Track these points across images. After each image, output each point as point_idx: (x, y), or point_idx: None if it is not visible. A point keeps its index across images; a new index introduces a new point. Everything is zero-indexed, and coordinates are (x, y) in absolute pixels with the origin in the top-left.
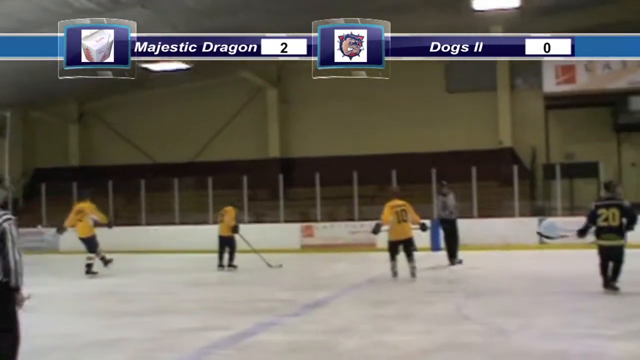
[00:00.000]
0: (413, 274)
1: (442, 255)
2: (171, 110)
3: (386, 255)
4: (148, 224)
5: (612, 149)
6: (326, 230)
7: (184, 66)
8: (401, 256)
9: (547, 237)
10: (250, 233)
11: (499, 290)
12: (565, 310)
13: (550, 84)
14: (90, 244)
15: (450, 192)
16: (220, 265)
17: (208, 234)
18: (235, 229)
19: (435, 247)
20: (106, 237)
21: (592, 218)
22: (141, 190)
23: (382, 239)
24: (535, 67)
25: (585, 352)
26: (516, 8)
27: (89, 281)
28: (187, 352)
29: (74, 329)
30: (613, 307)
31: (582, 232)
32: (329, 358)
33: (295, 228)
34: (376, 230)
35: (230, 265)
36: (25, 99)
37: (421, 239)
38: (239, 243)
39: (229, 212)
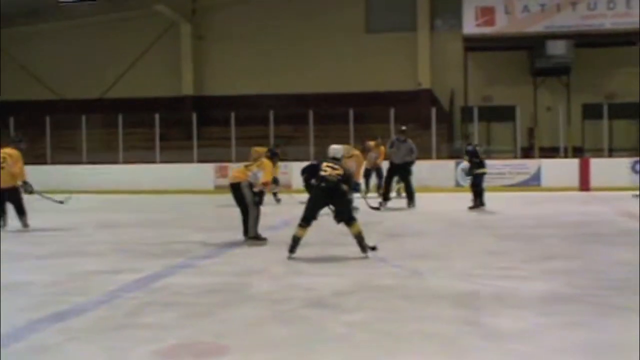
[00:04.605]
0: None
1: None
2: (79, 44)
3: (301, 197)
4: (54, 162)
5: (528, 92)
6: None
7: None
8: None
9: None
10: (163, 173)
11: (415, 233)
12: (479, 252)
13: (470, 26)
14: None
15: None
16: None
17: (117, 174)
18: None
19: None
20: None
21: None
22: (46, 128)
23: (297, 181)
24: (455, 8)
25: (498, 292)
26: None
27: None
28: (96, 295)
29: None
30: (526, 249)
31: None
32: (242, 300)
33: (209, 168)
34: None
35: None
36: None
37: None
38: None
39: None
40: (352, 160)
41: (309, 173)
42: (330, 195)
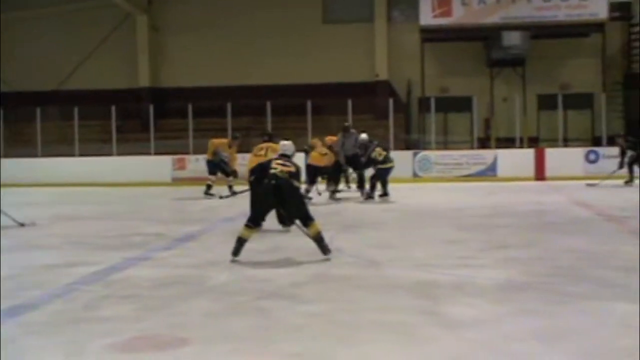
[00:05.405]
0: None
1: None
2: (33, 35)
3: None
4: (7, 156)
5: (485, 83)
6: (199, 163)
7: None
8: None
9: None
10: (120, 165)
11: (372, 223)
12: (437, 241)
13: (427, 17)
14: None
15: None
16: None
17: (73, 166)
18: None
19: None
20: None
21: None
22: None
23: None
24: None
25: (456, 281)
26: None
27: None
28: (52, 289)
29: None
30: (482, 238)
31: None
32: (199, 292)
33: (166, 161)
34: None
35: None
36: None
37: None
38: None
39: None
40: (329, 158)
41: (259, 173)
42: (281, 194)
